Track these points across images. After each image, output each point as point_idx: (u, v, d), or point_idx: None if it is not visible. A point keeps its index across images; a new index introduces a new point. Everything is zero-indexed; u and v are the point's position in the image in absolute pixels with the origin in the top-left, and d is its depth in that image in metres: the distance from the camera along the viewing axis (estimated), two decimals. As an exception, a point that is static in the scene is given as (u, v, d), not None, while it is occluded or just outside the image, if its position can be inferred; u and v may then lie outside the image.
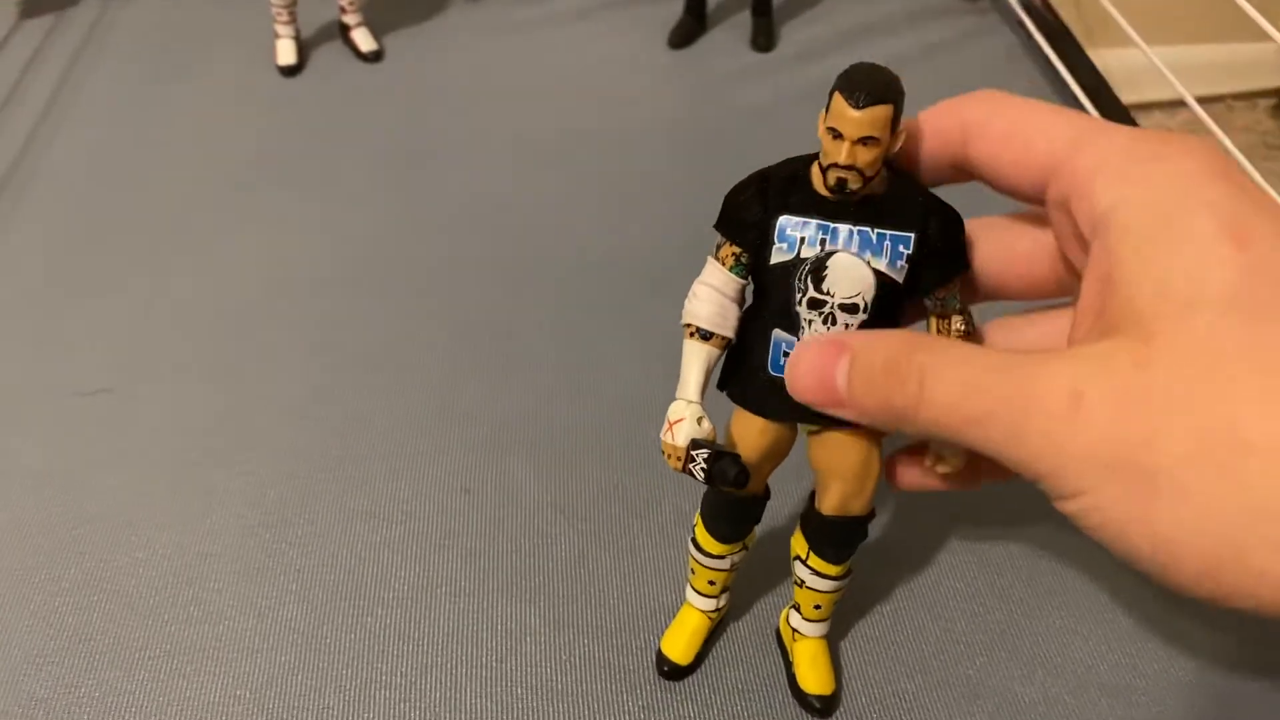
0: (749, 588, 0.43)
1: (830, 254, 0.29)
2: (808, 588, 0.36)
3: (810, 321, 0.29)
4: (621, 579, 0.44)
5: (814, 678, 0.39)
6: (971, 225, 0.30)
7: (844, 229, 0.29)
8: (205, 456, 0.49)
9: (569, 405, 0.52)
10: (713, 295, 0.31)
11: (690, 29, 0.83)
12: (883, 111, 0.27)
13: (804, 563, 0.35)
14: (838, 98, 0.27)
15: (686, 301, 0.31)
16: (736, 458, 0.30)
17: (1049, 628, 0.42)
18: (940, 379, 0.23)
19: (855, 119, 0.26)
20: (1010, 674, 0.41)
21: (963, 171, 0.29)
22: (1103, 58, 0.84)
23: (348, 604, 0.43)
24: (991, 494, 0.47)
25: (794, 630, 0.39)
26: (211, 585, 0.44)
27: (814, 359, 0.26)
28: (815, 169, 0.29)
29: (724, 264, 0.30)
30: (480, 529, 0.46)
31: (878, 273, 0.29)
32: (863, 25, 0.86)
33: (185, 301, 0.58)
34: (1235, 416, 0.19)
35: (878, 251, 0.29)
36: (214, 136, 0.72)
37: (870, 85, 0.27)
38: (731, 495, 0.34)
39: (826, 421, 0.30)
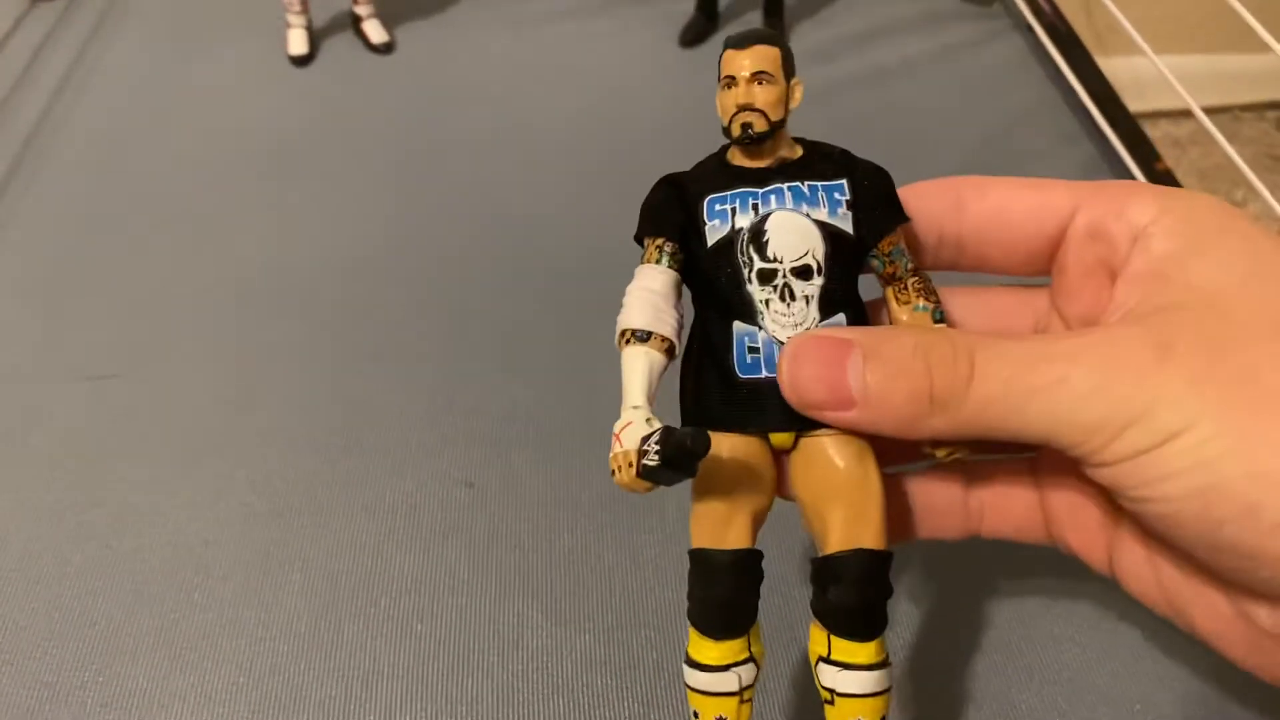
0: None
1: (767, 215, 0.26)
2: (840, 696, 0.26)
3: (767, 301, 0.26)
4: (624, 576, 0.44)
5: None
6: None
7: (773, 189, 0.27)
8: (212, 444, 0.50)
9: (575, 401, 0.52)
10: (643, 296, 0.27)
11: (702, 28, 0.83)
12: (769, 50, 0.27)
13: (828, 661, 0.26)
14: (725, 53, 0.27)
15: (618, 317, 0.28)
16: (693, 430, 0.24)
17: (1047, 636, 0.43)
18: (995, 353, 0.22)
19: (742, 58, 0.27)
20: (1008, 681, 0.41)
21: (945, 250, 0.29)
22: (1111, 65, 0.84)
23: (351, 595, 0.44)
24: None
25: None
26: (216, 573, 0.44)
27: (816, 350, 0.24)
28: (729, 151, 0.28)
29: (650, 260, 0.28)
30: (483, 523, 0.47)
31: (820, 224, 0.26)
32: (873, 28, 0.86)
33: (193, 288, 0.59)
34: None
35: (813, 202, 0.27)
36: (224, 124, 0.72)
37: (751, 33, 0.27)
38: (721, 555, 0.27)
39: (805, 425, 0.26)
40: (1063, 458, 0.26)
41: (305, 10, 0.79)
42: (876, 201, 0.27)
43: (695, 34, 0.82)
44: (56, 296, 0.58)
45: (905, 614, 0.43)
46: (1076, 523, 0.27)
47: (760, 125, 0.27)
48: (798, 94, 0.28)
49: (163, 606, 0.43)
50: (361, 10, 0.80)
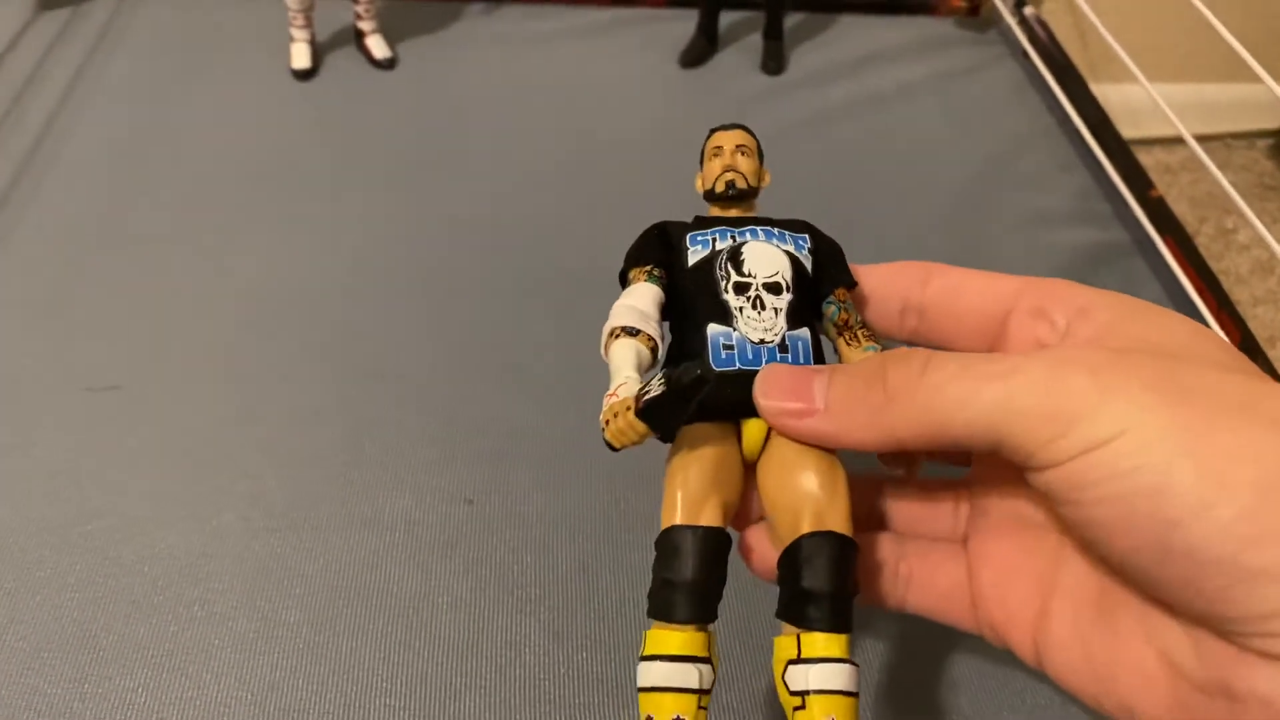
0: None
1: (743, 243, 0.30)
2: (813, 694, 0.25)
3: (740, 308, 0.29)
4: (620, 594, 0.45)
5: None
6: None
7: (748, 228, 0.31)
8: (212, 457, 0.50)
9: (573, 419, 0.53)
10: (629, 306, 0.29)
11: (702, 50, 0.84)
12: (748, 135, 0.33)
13: (797, 661, 0.25)
14: (711, 136, 0.33)
15: (603, 327, 0.29)
16: (694, 363, 0.25)
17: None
18: (948, 354, 0.24)
19: (728, 135, 0.33)
20: (999, 704, 0.42)
21: (908, 317, 0.31)
22: (1105, 92, 0.85)
23: (350, 610, 0.44)
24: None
25: None
26: (215, 586, 0.45)
27: (787, 370, 0.27)
28: (708, 210, 0.33)
29: (636, 281, 0.30)
30: (482, 540, 0.47)
31: (789, 254, 0.30)
32: (871, 53, 0.87)
33: (195, 301, 0.59)
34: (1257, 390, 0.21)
35: (782, 240, 0.31)
36: (227, 137, 0.73)
37: (732, 122, 0.34)
38: (694, 530, 0.26)
39: None
40: (995, 530, 0.28)
41: (309, 25, 0.79)
42: (831, 261, 0.31)
43: (695, 56, 0.83)
44: (58, 307, 0.58)
45: (897, 632, 0.44)
46: (1005, 593, 0.27)
47: (742, 183, 0.32)
48: (766, 178, 0.33)
49: (162, 619, 0.43)
50: (365, 26, 0.81)
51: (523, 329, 0.58)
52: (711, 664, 0.26)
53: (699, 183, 0.33)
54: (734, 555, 0.27)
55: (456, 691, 0.41)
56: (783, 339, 0.28)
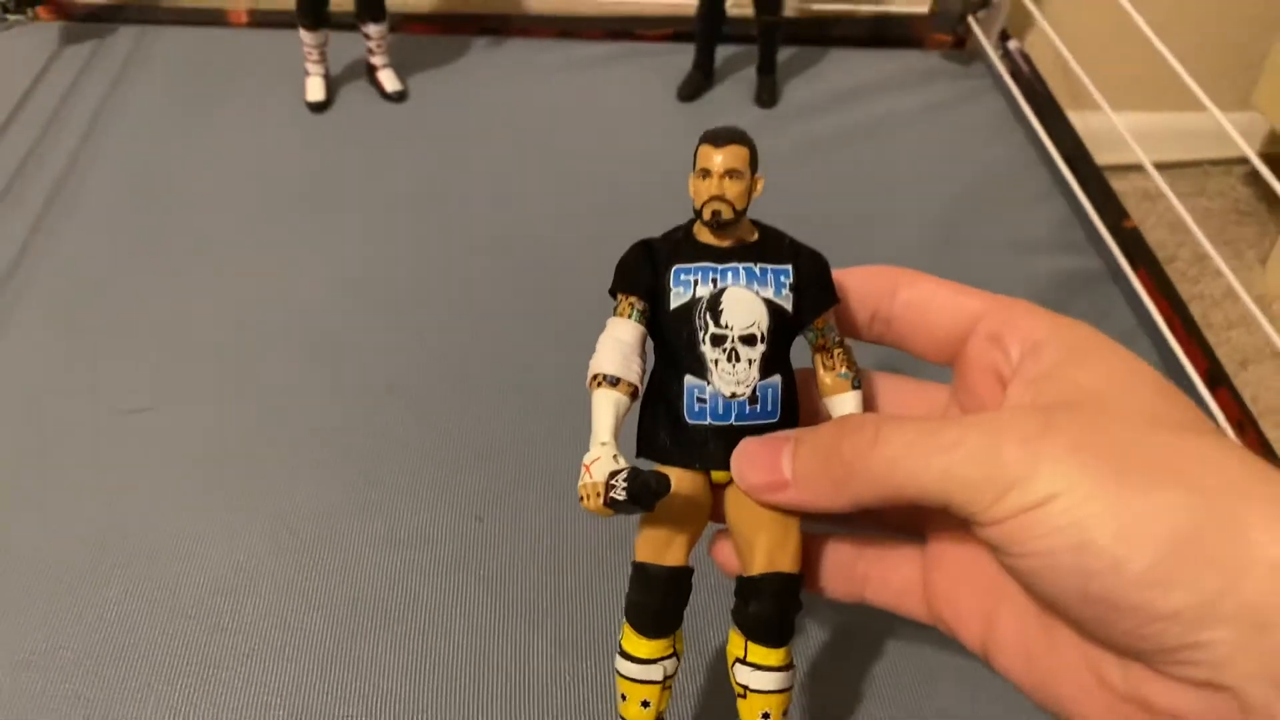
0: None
1: (723, 289, 0.31)
2: (752, 692, 0.32)
3: (716, 361, 0.31)
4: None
5: None
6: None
7: (730, 268, 0.31)
8: (240, 475, 0.53)
9: (583, 439, 0.55)
10: (615, 345, 0.31)
11: (698, 83, 0.87)
12: (741, 150, 0.31)
13: (743, 661, 0.32)
14: (702, 147, 0.32)
15: (591, 360, 0.32)
16: (656, 472, 0.28)
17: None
18: (898, 424, 0.26)
19: (717, 155, 0.31)
20: (981, 710, 0.45)
21: (876, 324, 0.33)
22: (1088, 121, 0.89)
23: (370, 621, 0.47)
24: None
25: None
26: (244, 599, 0.48)
27: (759, 447, 0.30)
28: (695, 226, 0.33)
29: (622, 315, 0.32)
30: (492, 555, 0.50)
31: (767, 301, 0.31)
32: (860, 86, 0.91)
33: (220, 325, 0.62)
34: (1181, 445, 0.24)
35: (763, 283, 0.31)
36: (245, 166, 0.76)
37: (727, 132, 0.32)
38: (659, 569, 0.32)
39: None
40: (949, 540, 0.31)
41: (323, 59, 0.83)
42: (814, 286, 0.32)
43: (692, 89, 0.87)
44: (90, 330, 0.61)
45: (876, 638, 0.47)
46: (956, 597, 0.30)
47: (728, 214, 0.31)
48: (759, 187, 0.32)
49: (196, 629, 0.46)
50: (377, 60, 0.85)
51: (530, 351, 0.61)
52: (676, 655, 0.33)
53: (690, 188, 0.32)
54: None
55: (468, 700, 0.44)
56: (753, 391, 0.31)
